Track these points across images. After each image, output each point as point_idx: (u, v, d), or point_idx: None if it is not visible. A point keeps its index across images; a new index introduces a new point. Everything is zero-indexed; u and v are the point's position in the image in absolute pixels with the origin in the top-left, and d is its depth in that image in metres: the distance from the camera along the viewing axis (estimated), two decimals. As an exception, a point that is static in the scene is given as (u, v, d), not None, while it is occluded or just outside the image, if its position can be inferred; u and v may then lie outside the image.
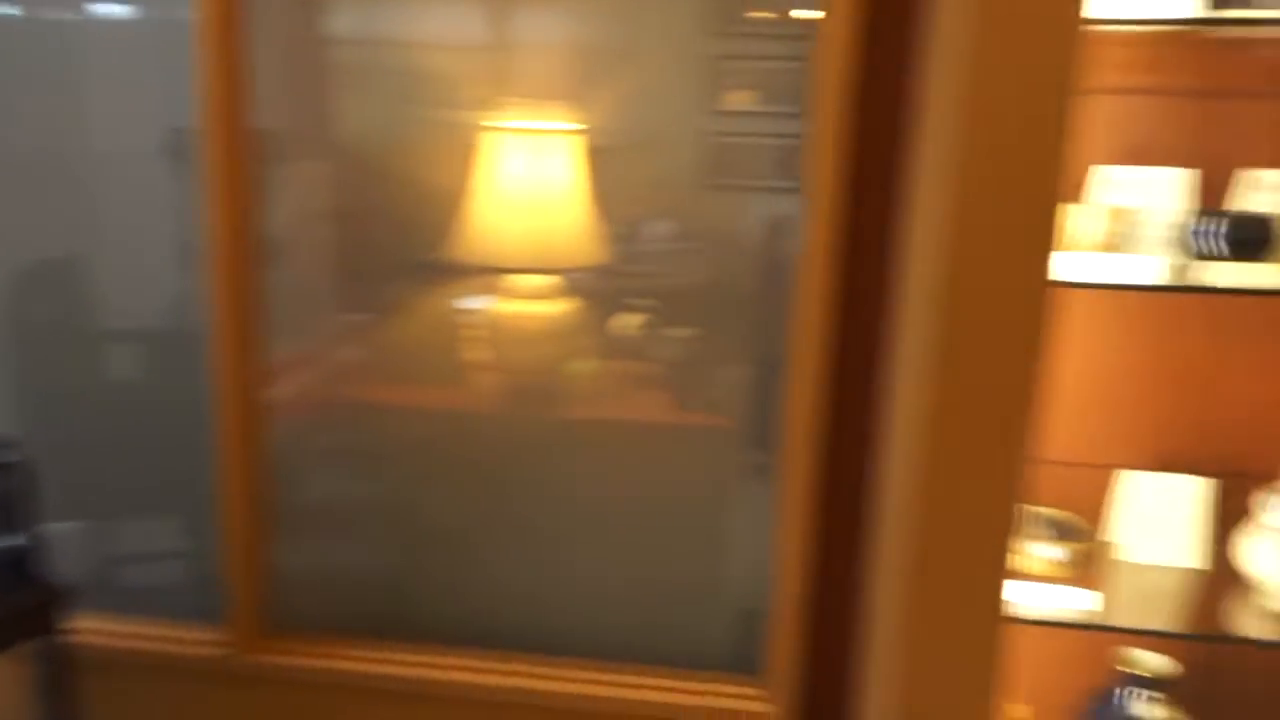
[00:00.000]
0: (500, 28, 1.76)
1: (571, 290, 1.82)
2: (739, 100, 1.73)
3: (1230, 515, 1.51)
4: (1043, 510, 1.48)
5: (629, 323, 1.81)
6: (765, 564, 1.72)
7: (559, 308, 1.82)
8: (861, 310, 1.56)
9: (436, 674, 1.80)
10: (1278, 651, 1.55)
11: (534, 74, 1.76)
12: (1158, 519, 1.56)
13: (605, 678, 1.80)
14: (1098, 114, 1.49)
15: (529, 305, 1.81)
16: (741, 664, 1.80)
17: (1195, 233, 1.29)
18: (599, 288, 1.82)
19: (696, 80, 1.72)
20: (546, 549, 1.88)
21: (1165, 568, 1.56)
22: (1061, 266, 1.29)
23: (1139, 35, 1.45)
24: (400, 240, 1.83)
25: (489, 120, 1.73)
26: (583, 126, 1.73)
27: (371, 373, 1.91)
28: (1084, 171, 1.48)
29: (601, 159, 1.75)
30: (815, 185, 1.51)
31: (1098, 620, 1.45)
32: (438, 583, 1.91)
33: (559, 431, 1.89)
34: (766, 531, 1.71)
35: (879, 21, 1.44)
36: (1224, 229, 1.25)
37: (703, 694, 1.76)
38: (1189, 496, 1.56)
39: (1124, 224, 1.33)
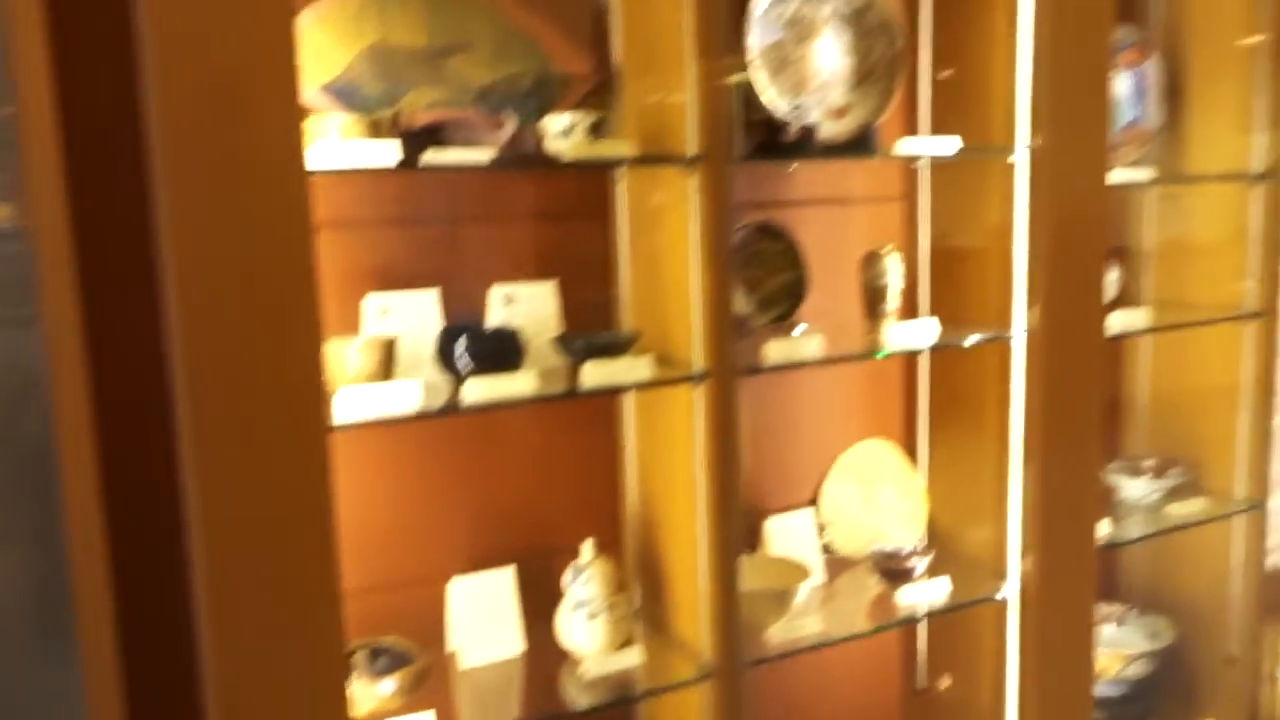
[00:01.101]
0: None
1: None
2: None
3: (547, 596, 1.63)
4: (370, 641, 1.46)
5: None
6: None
7: None
8: (142, 468, 1.39)
9: None
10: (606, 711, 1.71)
11: None
12: (485, 617, 1.64)
13: None
14: (352, 249, 1.54)
15: None
16: None
17: (447, 353, 1.37)
18: None
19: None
20: None
21: (497, 663, 1.64)
22: (338, 402, 1.29)
23: (379, 176, 1.53)
24: None
25: None
26: None
27: None
28: (350, 304, 1.51)
29: None
30: (51, 318, 1.31)
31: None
32: None
33: None
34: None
35: (87, 121, 1.28)
36: (471, 346, 1.35)
37: None
38: (507, 588, 1.66)
39: (390, 351, 1.37)
